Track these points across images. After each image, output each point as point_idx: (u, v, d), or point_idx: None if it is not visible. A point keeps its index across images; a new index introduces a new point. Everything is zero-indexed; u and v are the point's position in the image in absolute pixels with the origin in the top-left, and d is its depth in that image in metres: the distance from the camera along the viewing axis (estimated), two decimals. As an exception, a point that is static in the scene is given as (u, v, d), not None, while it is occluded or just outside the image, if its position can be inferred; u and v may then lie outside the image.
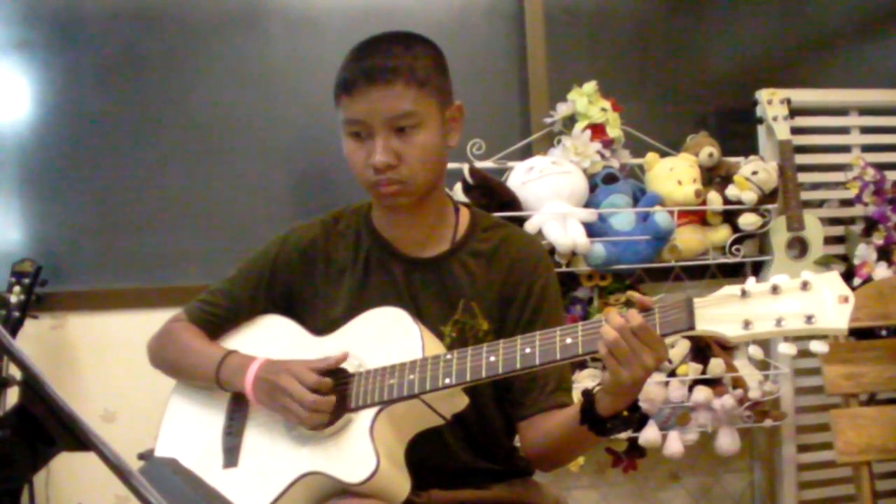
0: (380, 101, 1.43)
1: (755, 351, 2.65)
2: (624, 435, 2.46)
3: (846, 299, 1.17)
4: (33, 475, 2.15)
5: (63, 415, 0.89)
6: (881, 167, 2.77)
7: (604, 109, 2.58)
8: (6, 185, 2.55)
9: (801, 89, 2.82)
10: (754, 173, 2.62)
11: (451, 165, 1.80)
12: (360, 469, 1.34)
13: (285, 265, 1.61)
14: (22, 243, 2.54)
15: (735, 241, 2.66)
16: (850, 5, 3.11)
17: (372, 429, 1.38)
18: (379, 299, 1.52)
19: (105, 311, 2.51)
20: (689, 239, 2.61)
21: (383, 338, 1.46)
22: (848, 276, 2.69)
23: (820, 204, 2.89)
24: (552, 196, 2.45)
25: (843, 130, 2.91)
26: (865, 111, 2.91)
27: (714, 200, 2.62)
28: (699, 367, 2.55)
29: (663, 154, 2.68)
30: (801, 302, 1.18)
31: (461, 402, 1.45)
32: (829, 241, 2.79)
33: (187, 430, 1.58)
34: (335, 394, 1.42)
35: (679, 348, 2.54)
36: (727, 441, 2.61)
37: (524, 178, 2.50)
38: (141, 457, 1.60)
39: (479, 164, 2.53)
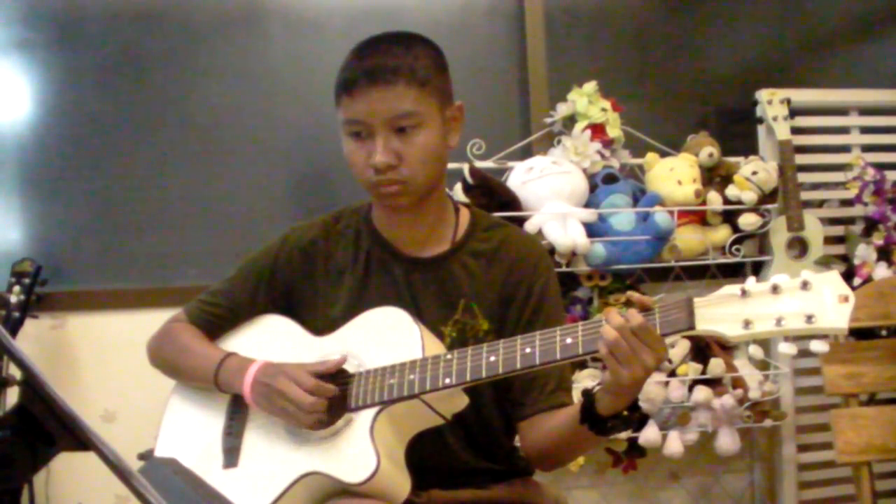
0: (380, 102, 1.43)
1: (755, 351, 2.65)
2: (624, 435, 2.46)
3: (846, 299, 1.17)
4: (33, 475, 2.15)
5: (63, 415, 0.89)
6: (881, 167, 2.77)
7: (604, 109, 2.58)
8: (6, 185, 2.55)
9: (801, 89, 2.82)
10: (754, 173, 2.62)
11: (451, 165, 1.80)
12: (361, 469, 1.34)
13: (285, 265, 1.61)
14: (22, 243, 2.54)
15: (735, 241, 2.66)
16: (850, 5, 3.11)
17: (372, 429, 1.38)
18: (379, 299, 1.52)
19: (105, 311, 2.51)
20: (689, 239, 2.62)
21: (383, 338, 1.46)
22: (848, 276, 2.69)
23: (820, 204, 2.89)
24: (552, 196, 2.45)
25: (843, 130, 2.91)
26: (865, 111, 2.91)
27: (714, 200, 2.62)
28: (699, 367, 2.55)
29: (663, 154, 2.68)
30: (801, 302, 1.18)
31: (461, 402, 1.45)
32: (829, 241, 2.79)
33: (187, 431, 1.59)
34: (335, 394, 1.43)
35: (679, 348, 2.54)
36: (727, 441, 2.61)
37: (524, 178, 2.50)
38: (141, 457, 1.60)
39: (479, 164, 2.53)
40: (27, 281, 2.31)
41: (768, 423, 2.65)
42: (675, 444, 2.56)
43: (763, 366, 2.68)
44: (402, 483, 1.40)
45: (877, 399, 2.50)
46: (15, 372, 2.21)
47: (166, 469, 1.45)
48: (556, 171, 2.49)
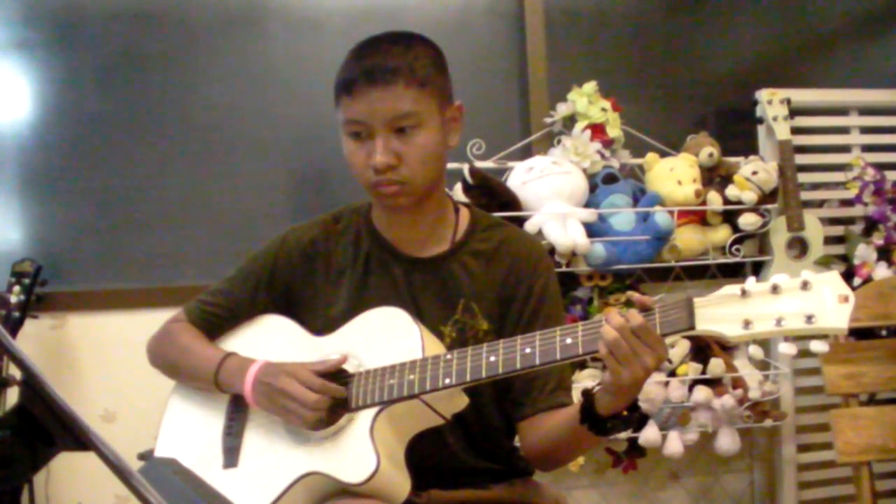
0: (380, 102, 1.43)
1: (755, 351, 2.65)
2: (624, 435, 2.46)
3: (846, 299, 1.17)
4: (33, 475, 2.15)
5: (63, 415, 0.89)
6: (881, 167, 2.77)
7: (604, 109, 2.58)
8: (6, 185, 2.55)
9: (801, 89, 2.82)
10: (754, 173, 2.62)
11: (451, 165, 1.81)
12: (361, 469, 1.34)
13: (285, 265, 1.61)
14: (22, 243, 2.54)
15: (735, 241, 2.66)
16: (850, 5, 3.11)
17: (372, 429, 1.38)
18: (379, 299, 1.52)
19: (105, 311, 2.51)
20: (689, 239, 2.62)
21: (383, 338, 1.46)
22: (848, 276, 2.69)
23: (820, 204, 2.89)
24: (552, 196, 2.45)
25: (843, 130, 2.91)
26: (865, 111, 2.91)
27: (714, 200, 2.62)
28: (699, 367, 2.55)
29: (663, 154, 2.68)
30: (802, 302, 1.18)
31: (461, 402, 1.45)
32: (829, 241, 2.79)
33: (187, 431, 1.59)
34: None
35: (679, 348, 2.54)
36: (727, 441, 2.61)
37: (524, 178, 2.50)
38: (141, 457, 1.60)
39: (479, 164, 2.53)
40: (27, 281, 2.31)
41: (768, 423, 2.65)
42: (675, 444, 2.56)
43: (763, 366, 2.68)
44: (402, 483, 1.40)
45: (877, 399, 2.50)
46: (15, 372, 2.21)
47: (166, 469, 1.45)
48: (556, 171, 2.49)
